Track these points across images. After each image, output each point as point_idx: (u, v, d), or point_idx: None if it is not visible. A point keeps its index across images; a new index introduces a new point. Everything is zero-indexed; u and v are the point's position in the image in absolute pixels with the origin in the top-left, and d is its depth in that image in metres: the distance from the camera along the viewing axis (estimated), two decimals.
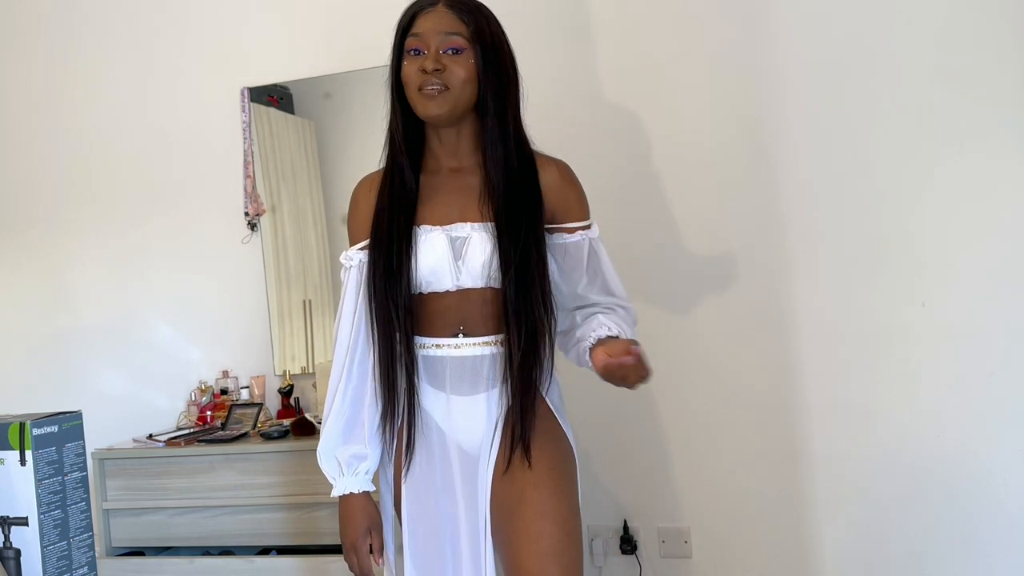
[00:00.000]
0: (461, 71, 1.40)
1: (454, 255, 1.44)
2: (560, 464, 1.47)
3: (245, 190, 2.75)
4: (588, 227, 1.52)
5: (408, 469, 1.48)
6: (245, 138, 2.75)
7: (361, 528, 1.48)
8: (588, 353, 1.45)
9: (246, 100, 2.75)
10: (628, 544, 2.40)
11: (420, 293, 1.46)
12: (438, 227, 1.45)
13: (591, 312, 1.51)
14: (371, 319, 1.47)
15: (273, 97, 2.77)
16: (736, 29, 2.31)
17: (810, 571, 2.29)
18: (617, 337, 1.46)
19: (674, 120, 2.36)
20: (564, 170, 1.53)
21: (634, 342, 1.38)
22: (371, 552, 1.48)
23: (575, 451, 1.53)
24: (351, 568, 1.50)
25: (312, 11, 2.69)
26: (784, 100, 2.28)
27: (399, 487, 1.50)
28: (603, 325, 1.48)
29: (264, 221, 2.76)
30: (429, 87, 1.40)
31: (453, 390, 1.48)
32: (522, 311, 1.41)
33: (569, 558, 1.39)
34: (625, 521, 2.42)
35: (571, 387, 2.37)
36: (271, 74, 2.73)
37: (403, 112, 1.47)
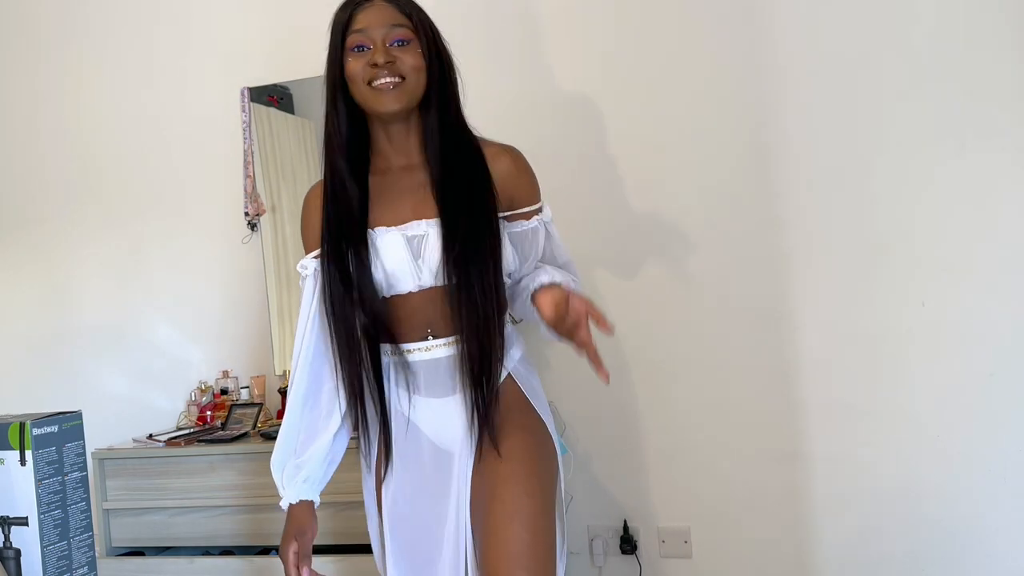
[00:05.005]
0: (412, 59, 1.38)
1: (413, 254, 1.40)
2: (534, 457, 1.44)
3: (245, 190, 2.75)
4: (540, 210, 1.50)
5: (387, 476, 1.47)
6: (245, 138, 2.75)
7: (287, 535, 1.46)
8: (531, 299, 1.44)
9: (246, 100, 2.75)
10: (628, 544, 2.40)
11: (383, 298, 1.43)
12: (394, 227, 1.42)
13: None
14: (331, 331, 1.43)
15: (273, 97, 2.77)
16: (736, 29, 2.31)
17: (810, 571, 2.29)
18: (559, 285, 1.42)
19: (674, 120, 2.36)
20: (516, 157, 1.49)
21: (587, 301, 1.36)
22: (296, 562, 1.45)
23: (555, 438, 1.50)
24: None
25: (312, 11, 2.68)
26: (784, 99, 2.28)
27: (380, 494, 1.49)
28: (546, 273, 1.46)
29: (264, 221, 2.76)
30: (381, 81, 1.37)
31: (427, 393, 1.45)
32: (471, 308, 1.38)
33: (537, 562, 1.35)
34: (625, 521, 2.42)
35: (572, 387, 2.38)
36: (271, 74, 2.73)
37: (347, 112, 1.43)
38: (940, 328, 2.18)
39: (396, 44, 1.38)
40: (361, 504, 2.27)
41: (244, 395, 2.72)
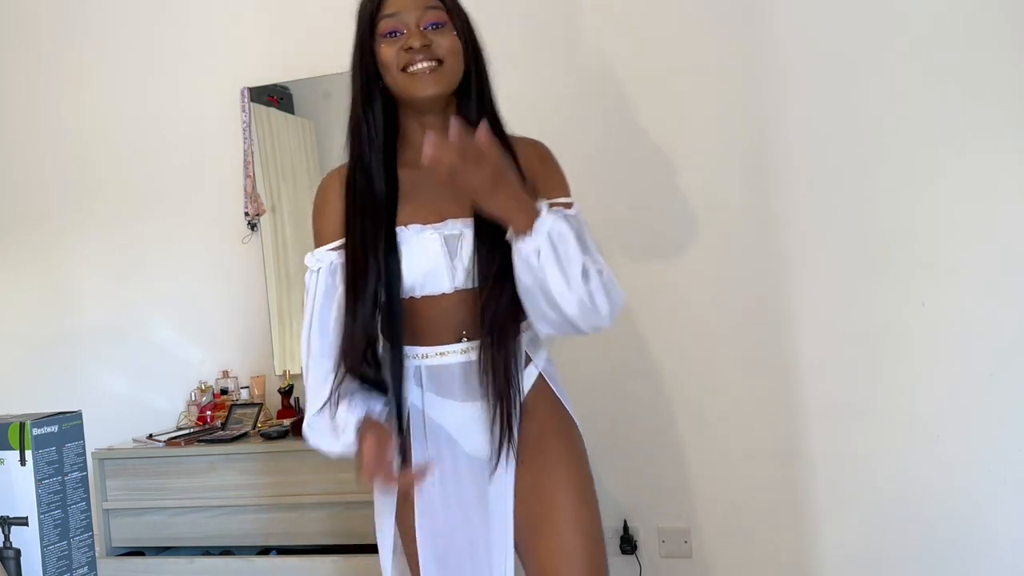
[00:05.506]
0: (448, 42, 1.32)
1: (450, 254, 1.33)
2: (580, 464, 1.42)
3: (245, 190, 2.75)
4: (570, 206, 1.40)
5: (419, 489, 1.37)
6: (245, 138, 2.75)
7: (367, 468, 1.30)
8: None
9: (246, 100, 2.75)
10: (628, 544, 2.40)
11: (412, 298, 1.36)
12: (430, 225, 1.34)
13: None
14: (346, 331, 1.34)
15: (273, 97, 2.77)
16: (737, 29, 2.31)
17: (810, 571, 2.29)
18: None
19: (675, 120, 2.36)
20: (542, 149, 1.45)
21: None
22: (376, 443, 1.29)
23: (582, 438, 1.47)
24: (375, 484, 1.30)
25: (312, 11, 2.69)
26: (784, 100, 2.28)
27: (408, 505, 1.40)
28: None
29: (264, 221, 2.76)
30: (417, 66, 1.31)
31: (460, 396, 1.38)
32: (498, 312, 1.32)
33: (598, 566, 1.35)
34: (625, 521, 2.42)
35: (571, 387, 2.37)
36: (271, 74, 2.73)
37: (381, 103, 1.36)
38: (940, 328, 2.18)
39: (431, 27, 1.32)
40: (361, 504, 2.27)
41: (244, 395, 2.72)
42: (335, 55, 2.62)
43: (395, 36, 1.33)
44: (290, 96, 2.77)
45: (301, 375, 2.81)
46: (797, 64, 2.27)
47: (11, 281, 3.08)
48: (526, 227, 1.23)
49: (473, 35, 1.38)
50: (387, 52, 1.33)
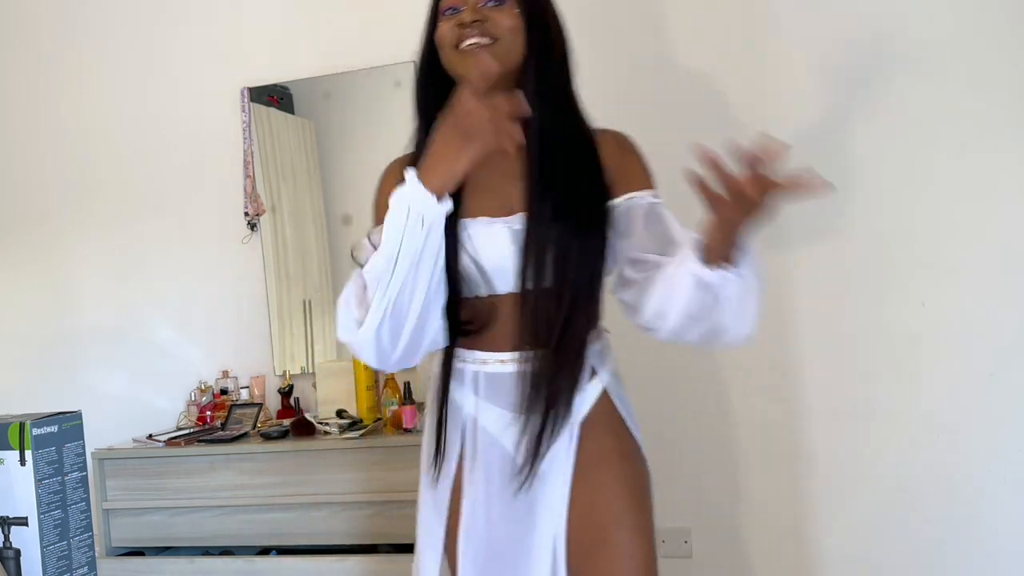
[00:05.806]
0: (507, 19, 1.26)
1: (518, 250, 1.25)
2: (640, 492, 1.34)
3: (245, 190, 2.75)
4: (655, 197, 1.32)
5: (466, 498, 1.31)
6: (245, 138, 2.75)
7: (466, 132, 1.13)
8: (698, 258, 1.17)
9: (246, 100, 2.75)
10: None
11: (478, 297, 1.29)
12: (499, 219, 1.27)
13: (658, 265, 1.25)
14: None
15: (273, 97, 2.77)
16: (737, 29, 2.31)
17: (810, 571, 2.29)
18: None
19: (674, 118, 2.36)
20: (622, 138, 1.38)
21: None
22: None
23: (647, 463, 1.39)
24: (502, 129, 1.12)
25: (312, 11, 2.69)
26: (784, 99, 2.28)
27: (456, 518, 1.33)
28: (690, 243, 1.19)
29: (264, 221, 2.76)
30: (467, 42, 1.24)
31: (518, 408, 1.29)
32: (556, 321, 1.24)
33: None
34: None
35: None
36: (271, 74, 2.73)
37: (437, 85, 1.30)
38: (940, 328, 2.18)
39: (490, 4, 1.26)
40: (362, 504, 2.27)
41: (244, 395, 2.72)
42: (335, 55, 2.64)
43: (454, 13, 1.28)
44: (290, 96, 2.77)
45: (300, 375, 2.80)
46: (796, 64, 2.27)
47: (11, 281, 3.08)
48: (728, 256, 1.15)
49: (545, 15, 1.31)
50: (443, 29, 1.28)
